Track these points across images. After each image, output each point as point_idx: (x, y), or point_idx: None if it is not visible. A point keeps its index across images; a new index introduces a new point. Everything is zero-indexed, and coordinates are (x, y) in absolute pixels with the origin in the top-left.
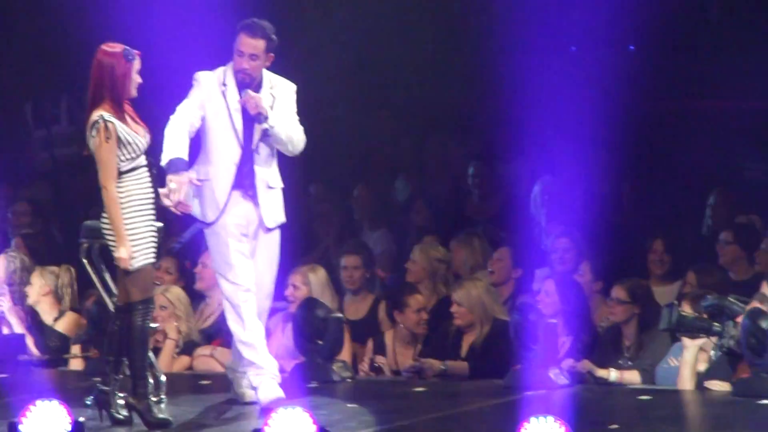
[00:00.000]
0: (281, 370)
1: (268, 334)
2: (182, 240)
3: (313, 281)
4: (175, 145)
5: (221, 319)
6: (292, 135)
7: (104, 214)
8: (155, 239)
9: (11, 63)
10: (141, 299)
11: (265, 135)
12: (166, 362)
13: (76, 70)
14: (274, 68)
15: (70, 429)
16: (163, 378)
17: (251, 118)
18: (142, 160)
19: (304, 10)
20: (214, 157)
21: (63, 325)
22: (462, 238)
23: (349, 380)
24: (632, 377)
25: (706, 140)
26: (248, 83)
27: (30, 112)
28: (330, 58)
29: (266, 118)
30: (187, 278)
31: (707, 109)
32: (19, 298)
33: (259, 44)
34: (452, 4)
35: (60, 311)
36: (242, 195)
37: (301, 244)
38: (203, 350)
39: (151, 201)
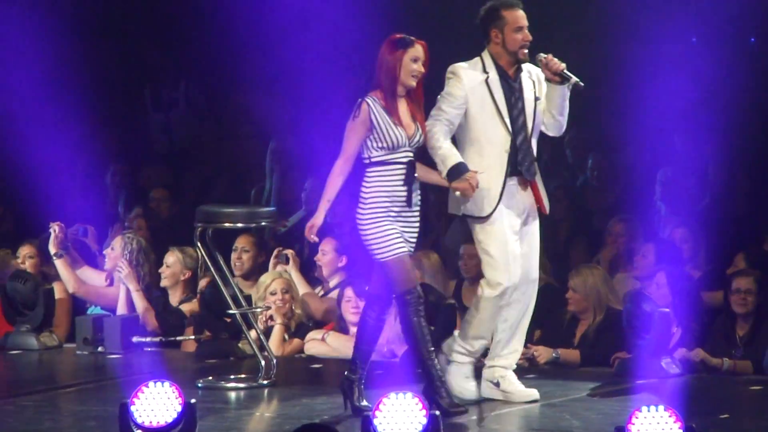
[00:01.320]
0: (393, 355)
1: None
2: (287, 224)
3: (427, 266)
4: (448, 150)
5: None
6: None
7: (359, 211)
8: (402, 234)
9: (131, 47)
10: (402, 290)
11: (536, 112)
12: (277, 345)
13: (195, 54)
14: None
15: (180, 410)
16: (274, 361)
17: (514, 105)
18: (399, 157)
19: None
20: (485, 148)
21: (188, 308)
22: (622, 217)
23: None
24: (745, 367)
25: None
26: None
27: (149, 96)
28: None
29: (570, 75)
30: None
31: None
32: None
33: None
34: None
35: (188, 294)
36: (518, 181)
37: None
38: (315, 334)
39: (401, 200)
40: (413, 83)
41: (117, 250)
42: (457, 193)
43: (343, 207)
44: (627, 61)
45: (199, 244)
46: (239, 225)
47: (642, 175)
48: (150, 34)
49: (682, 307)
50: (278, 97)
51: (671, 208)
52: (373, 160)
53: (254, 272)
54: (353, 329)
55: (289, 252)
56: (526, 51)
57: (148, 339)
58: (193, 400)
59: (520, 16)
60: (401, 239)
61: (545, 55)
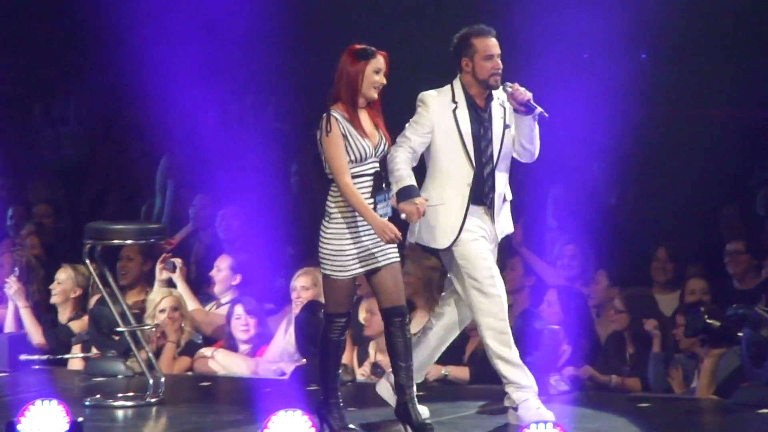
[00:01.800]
0: (281, 373)
1: (270, 336)
2: (174, 242)
3: (320, 283)
4: (404, 173)
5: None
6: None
7: (324, 224)
8: (362, 253)
9: (22, 62)
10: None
11: (506, 143)
12: (167, 363)
13: (86, 71)
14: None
15: (68, 429)
16: (163, 379)
17: (482, 136)
18: (366, 169)
19: None
20: (447, 180)
21: (77, 326)
22: None
23: (349, 383)
24: (633, 384)
25: (715, 149)
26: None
27: (39, 111)
28: None
29: (535, 105)
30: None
31: (716, 117)
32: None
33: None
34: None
35: (77, 312)
36: (482, 211)
37: (307, 245)
38: (204, 352)
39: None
40: (375, 95)
41: (6, 268)
42: (403, 215)
43: (239, 224)
44: (518, 77)
45: (88, 261)
46: (128, 242)
47: (534, 192)
48: (42, 49)
49: (573, 325)
50: (169, 114)
51: (562, 225)
52: None
53: (140, 281)
54: (243, 347)
55: (177, 260)
56: (498, 78)
57: (36, 357)
58: (80, 419)
59: (491, 44)
60: (356, 262)
61: (511, 85)
